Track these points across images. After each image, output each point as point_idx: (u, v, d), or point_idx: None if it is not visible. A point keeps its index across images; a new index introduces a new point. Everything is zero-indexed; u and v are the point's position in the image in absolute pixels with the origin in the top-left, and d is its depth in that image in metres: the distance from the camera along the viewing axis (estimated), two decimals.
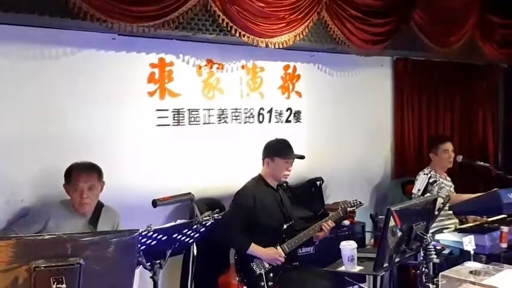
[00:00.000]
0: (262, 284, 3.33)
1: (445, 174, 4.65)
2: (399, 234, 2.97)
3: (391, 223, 2.96)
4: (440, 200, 3.37)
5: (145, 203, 2.60)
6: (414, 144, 5.27)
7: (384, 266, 2.97)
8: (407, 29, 4.64)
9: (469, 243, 3.18)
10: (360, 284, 3.97)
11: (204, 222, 2.56)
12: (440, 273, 2.94)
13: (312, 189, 4.50)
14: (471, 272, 2.95)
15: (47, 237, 2.01)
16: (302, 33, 3.91)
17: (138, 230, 2.12)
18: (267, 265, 3.39)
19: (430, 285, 2.92)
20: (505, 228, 3.53)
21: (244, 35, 3.58)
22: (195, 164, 3.90)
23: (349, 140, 4.87)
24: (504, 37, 5.60)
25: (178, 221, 2.51)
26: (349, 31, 4.17)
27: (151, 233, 2.32)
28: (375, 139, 5.12)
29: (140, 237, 2.30)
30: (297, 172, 4.32)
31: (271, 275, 3.38)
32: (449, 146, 4.55)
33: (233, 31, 3.52)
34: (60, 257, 1.91)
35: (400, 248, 3.01)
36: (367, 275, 4.24)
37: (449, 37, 4.95)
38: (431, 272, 2.97)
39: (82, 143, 3.33)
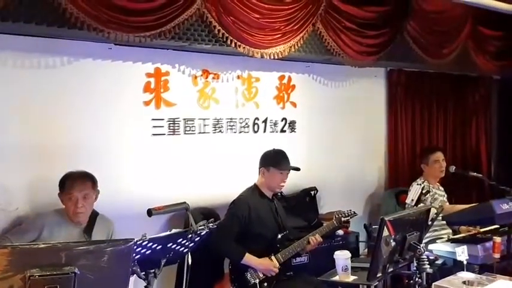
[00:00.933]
0: None
1: (438, 184, 4.68)
2: (393, 244, 2.98)
3: (385, 233, 2.99)
4: (433, 211, 3.39)
5: (140, 212, 2.61)
6: (408, 155, 5.31)
7: (378, 275, 2.98)
8: (401, 41, 4.70)
9: (462, 253, 3.20)
10: None
11: (199, 232, 2.56)
12: (434, 284, 2.97)
13: (306, 199, 4.51)
14: (464, 282, 2.97)
15: (42, 246, 2.01)
16: (297, 44, 3.95)
17: (133, 239, 2.13)
18: (261, 275, 3.39)
19: None
20: (497, 239, 3.56)
21: (239, 46, 3.61)
22: (191, 173, 3.92)
23: (344, 150, 4.90)
24: (497, 49, 5.67)
25: (174, 230, 2.52)
26: (344, 42, 4.22)
27: (146, 242, 2.32)
28: (369, 149, 5.15)
29: (135, 247, 2.30)
30: (291, 182, 4.33)
31: (265, 284, 3.38)
32: (439, 155, 4.58)
33: (229, 42, 3.55)
34: (54, 265, 1.91)
35: (394, 258, 3.03)
36: (361, 286, 4.28)
37: (442, 49, 5.01)
38: (424, 282, 3.00)
39: (77, 152, 3.34)
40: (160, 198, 2.94)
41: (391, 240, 2.99)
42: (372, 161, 5.19)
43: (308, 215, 4.40)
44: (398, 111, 5.30)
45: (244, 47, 3.63)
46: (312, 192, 4.53)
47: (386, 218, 2.91)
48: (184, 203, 2.51)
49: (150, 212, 2.39)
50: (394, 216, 2.98)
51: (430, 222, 3.37)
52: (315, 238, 3.51)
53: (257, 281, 3.37)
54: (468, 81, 5.96)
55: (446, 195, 4.70)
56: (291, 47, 3.90)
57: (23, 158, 3.17)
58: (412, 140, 5.39)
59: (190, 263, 3.56)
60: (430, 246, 4.09)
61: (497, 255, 3.57)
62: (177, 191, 3.70)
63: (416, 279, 2.97)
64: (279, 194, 4.21)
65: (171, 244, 2.50)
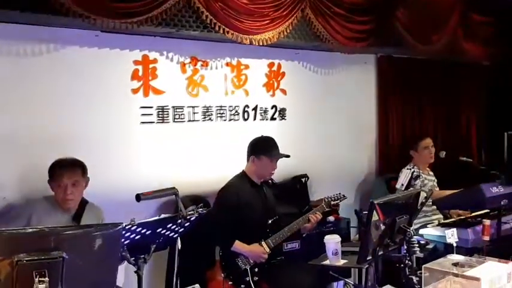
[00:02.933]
0: (248, 279, 3.35)
1: (428, 170, 4.71)
2: (382, 227, 3.00)
3: (375, 217, 3.00)
4: (423, 194, 3.40)
5: (129, 199, 2.59)
6: (398, 142, 5.31)
7: (368, 258, 2.99)
8: (390, 27, 4.68)
9: (451, 236, 3.22)
10: (346, 279, 4.00)
11: (188, 217, 2.56)
12: (423, 266, 2.97)
13: (297, 186, 4.52)
14: (454, 264, 2.99)
15: (30, 230, 2.01)
16: (286, 31, 3.93)
17: (122, 223, 2.12)
18: (251, 261, 3.40)
19: (414, 277, 2.95)
20: (487, 221, 3.59)
21: (228, 32, 3.58)
22: (180, 161, 3.90)
23: (334, 138, 4.89)
24: (487, 36, 5.67)
25: (163, 216, 2.51)
26: (333, 28, 4.20)
27: (135, 227, 2.31)
28: (359, 136, 5.16)
29: (124, 232, 2.29)
30: (282, 169, 4.33)
31: (256, 270, 3.40)
32: (429, 142, 4.63)
33: (217, 28, 3.52)
34: (42, 250, 1.90)
35: (384, 241, 3.04)
36: (352, 270, 4.30)
37: (431, 35, 5.00)
38: (414, 265, 3.01)
39: (66, 140, 3.31)
40: (149, 186, 2.90)
41: (381, 224, 3.01)
42: (362, 148, 5.19)
43: (299, 201, 4.39)
44: (388, 98, 5.30)
45: (232, 33, 3.61)
46: (303, 180, 4.54)
47: (375, 201, 2.91)
48: (173, 188, 2.50)
49: (138, 197, 2.38)
50: (383, 199, 2.99)
51: (419, 206, 3.40)
52: (315, 216, 3.52)
53: (248, 266, 3.38)
54: (458, 68, 5.95)
55: (436, 181, 4.74)
56: (280, 33, 3.88)
57: (11, 146, 3.15)
58: (402, 127, 5.39)
59: (181, 250, 3.58)
60: (421, 231, 4.11)
61: (486, 238, 3.59)
62: (167, 179, 3.64)
63: (406, 261, 2.99)
64: (270, 181, 4.22)
65: (160, 229, 2.50)
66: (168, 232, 2.58)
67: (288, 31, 3.95)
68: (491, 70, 6.29)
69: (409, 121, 5.49)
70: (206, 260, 3.76)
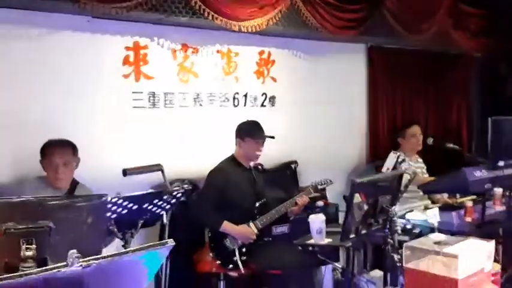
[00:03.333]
0: (235, 258, 3.43)
1: (417, 156, 4.80)
2: (365, 207, 3.09)
3: (358, 199, 3.09)
4: (406, 177, 3.48)
5: (120, 183, 2.67)
6: (388, 130, 5.39)
7: (351, 236, 3.08)
8: (380, 16, 4.75)
9: (433, 216, 3.30)
10: (334, 263, 4.08)
11: (174, 193, 2.64)
12: (405, 244, 3.04)
13: (287, 172, 4.60)
14: (435, 243, 3.07)
15: (17, 200, 2.08)
16: (275, 18, 4.00)
17: (107, 194, 2.20)
18: (239, 241, 3.48)
19: (395, 255, 3.03)
20: (469, 203, 3.67)
21: (217, 18, 3.65)
22: (171, 146, 3.97)
23: (324, 125, 4.96)
24: (477, 27, 5.74)
25: (149, 191, 2.59)
26: (322, 17, 4.27)
27: (121, 201, 2.39)
28: (350, 124, 5.23)
29: (110, 205, 2.37)
30: (272, 155, 4.43)
31: (244, 250, 3.47)
32: (416, 129, 4.72)
33: (206, 14, 3.59)
34: (30, 219, 1.97)
35: (367, 221, 3.13)
36: (340, 255, 4.38)
37: (421, 24, 5.07)
38: (396, 243, 3.09)
39: (58, 123, 3.39)
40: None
41: (364, 205, 3.09)
42: (352, 136, 5.27)
43: (288, 187, 4.46)
44: (378, 87, 5.37)
45: (221, 19, 3.67)
46: (293, 166, 4.62)
47: (358, 180, 3.00)
48: (159, 164, 2.58)
49: (125, 172, 2.46)
50: (366, 179, 3.07)
51: (403, 188, 3.48)
52: (302, 199, 3.61)
53: (235, 247, 3.46)
54: (449, 58, 6.03)
55: (425, 168, 4.83)
56: (268, 20, 3.95)
57: (3, 128, 3.22)
58: (392, 115, 5.47)
59: (172, 234, 3.65)
60: (407, 216, 4.18)
61: (469, 219, 3.68)
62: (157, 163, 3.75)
63: (389, 240, 3.07)
64: (260, 167, 4.30)
65: (147, 205, 2.57)
66: (155, 208, 2.65)
67: (277, 18, 4.02)
68: (483, 62, 6.37)
69: (400, 109, 5.57)
70: (196, 241, 3.85)
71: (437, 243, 3.03)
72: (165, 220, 2.71)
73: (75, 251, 1.27)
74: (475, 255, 2.92)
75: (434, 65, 5.88)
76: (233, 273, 3.56)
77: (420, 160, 4.84)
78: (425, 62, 5.77)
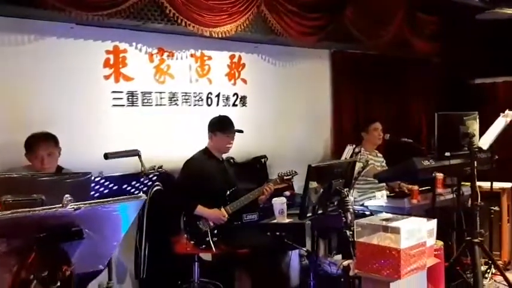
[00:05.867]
0: (208, 239, 3.80)
1: (376, 151, 5.24)
2: (321, 191, 3.49)
3: (314, 184, 3.48)
4: (359, 165, 3.91)
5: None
6: (351, 126, 5.81)
7: (308, 215, 3.49)
8: (340, 24, 5.19)
9: (381, 196, 3.73)
10: (300, 247, 4.46)
11: (150, 176, 3.02)
12: (356, 221, 3.45)
13: (257, 165, 4.99)
14: (382, 220, 3.48)
15: (15, 176, 2.44)
16: (243, 24, 4.41)
17: (90, 172, 2.56)
18: (211, 224, 3.85)
19: (347, 231, 3.43)
20: (415, 187, 4.11)
21: (189, 25, 4.05)
22: (148, 141, 4.28)
23: (292, 123, 5.39)
24: (433, 33, 6.23)
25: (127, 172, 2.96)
26: (286, 24, 4.70)
27: (103, 180, 2.76)
28: (316, 123, 5.66)
29: (94, 184, 2.73)
30: (243, 150, 4.84)
31: (215, 231, 3.85)
32: (378, 125, 5.17)
33: (179, 21, 3.98)
34: (25, 193, 2.32)
35: (323, 202, 3.54)
36: (307, 241, 4.77)
37: (378, 31, 5.53)
38: (348, 221, 3.49)
39: (44, 120, 3.70)
40: (119, 163, 3.26)
41: (320, 190, 3.50)
42: (318, 134, 5.69)
43: (258, 179, 4.83)
44: (342, 89, 5.82)
45: (193, 26, 4.07)
46: (262, 160, 5.01)
47: (313, 165, 3.42)
48: (136, 150, 2.96)
49: (106, 156, 2.83)
50: (321, 164, 3.49)
51: (356, 175, 3.91)
52: (268, 187, 3.99)
53: (208, 228, 3.83)
54: (409, 63, 6.50)
55: (385, 161, 5.27)
56: (237, 26, 4.36)
57: None
58: (355, 114, 5.91)
59: (151, 221, 4.03)
60: (366, 203, 4.61)
61: (415, 201, 4.12)
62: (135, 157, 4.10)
63: (342, 218, 3.47)
64: (232, 160, 4.70)
65: (126, 186, 2.94)
66: (133, 189, 3.02)
67: (245, 25, 4.43)
68: (442, 66, 6.85)
69: (362, 108, 6.01)
70: (173, 228, 4.20)
71: (385, 220, 3.46)
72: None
73: (68, 195, 1.64)
74: (416, 230, 3.34)
75: (395, 69, 6.34)
76: (206, 254, 3.93)
77: (380, 155, 5.28)
78: (386, 66, 6.22)
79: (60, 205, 1.60)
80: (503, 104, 4.91)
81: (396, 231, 3.23)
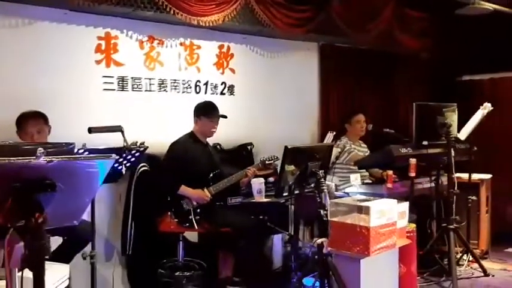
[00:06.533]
0: (191, 217, 3.98)
1: (360, 142, 5.41)
2: (298, 173, 3.65)
3: (292, 168, 3.65)
4: (337, 150, 4.09)
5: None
6: (338, 120, 5.97)
7: (284, 194, 3.66)
8: (327, 16, 5.34)
9: (355, 179, 3.89)
10: (283, 231, 4.63)
11: (133, 152, 3.19)
12: (330, 201, 3.63)
13: (243, 152, 5.15)
14: (355, 200, 3.65)
15: (9, 143, 2.62)
16: (231, 15, 4.56)
17: (74, 143, 2.73)
18: (195, 203, 4.03)
19: (322, 211, 3.59)
20: (390, 172, 4.28)
21: (178, 13, 4.21)
22: (137, 125, 4.42)
23: (279, 113, 5.55)
24: (421, 29, 6.38)
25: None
26: (273, 15, 4.86)
27: (87, 152, 2.92)
28: (303, 113, 5.81)
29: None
30: (230, 137, 5.01)
31: (198, 210, 4.02)
32: (361, 117, 5.35)
33: (168, 9, 4.15)
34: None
35: (300, 183, 3.70)
36: (289, 225, 4.94)
37: (366, 25, 5.68)
38: (323, 201, 3.65)
39: (37, 102, 3.84)
40: (109, 144, 3.49)
41: (297, 172, 3.65)
42: (305, 124, 5.84)
43: (244, 165, 4.99)
44: (329, 81, 5.97)
45: (182, 15, 4.24)
46: (249, 147, 5.18)
47: (289, 146, 3.58)
48: (119, 126, 3.14)
49: (90, 130, 3.01)
50: (296, 146, 3.65)
51: (334, 159, 4.08)
52: (251, 171, 4.17)
53: (191, 207, 4.01)
54: (397, 58, 6.65)
55: (368, 151, 5.44)
56: (225, 16, 4.52)
57: None
58: (342, 104, 6.07)
59: (137, 202, 4.22)
60: (347, 190, 4.78)
61: (389, 185, 4.29)
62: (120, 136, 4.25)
63: (317, 198, 3.63)
64: (219, 146, 4.88)
65: None
66: (116, 164, 3.19)
67: (233, 15, 4.59)
68: (430, 61, 6.99)
69: (349, 100, 6.17)
70: (158, 208, 4.38)
71: (357, 200, 3.63)
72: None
73: (41, 148, 1.81)
74: (386, 210, 3.51)
75: (383, 63, 6.49)
76: (193, 235, 4.10)
77: (364, 145, 5.46)
78: (375, 60, 6.36)
79: (34, 157, 1.76)
80: (489, 100, 5.07)
81: (367, 210, 3.40)
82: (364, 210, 3.42)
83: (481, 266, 4.76)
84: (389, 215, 3.55)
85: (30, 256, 1.80)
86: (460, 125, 4.95)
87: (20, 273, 1.94)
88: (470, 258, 4.90)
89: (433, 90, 6.82)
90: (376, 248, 3.40)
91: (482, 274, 4.73)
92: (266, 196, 3.95)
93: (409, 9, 6.21)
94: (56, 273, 2.89)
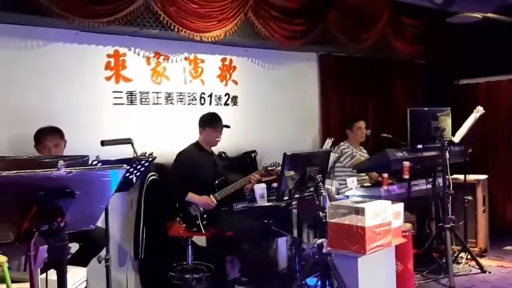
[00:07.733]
0: (198, 222, 4.22)
1: (360, 147, 5.64)
2: (297, 177, 3.88)
3: (291, 173, 3.86)
4: (334, 155, 4.32)
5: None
6: (339, 127, 6.18)
7: (285, 198, 3.88)
8: (324, 28, 5.59)
9: (351, 182, 4.11)
10: (287, 234, 4.85)
11: (142, 162, 3.44)
12: (330, 203, 3.84)
13: (247, 160, 5.39)
14: (352, 202, 3.86)
15: (22, 158, 2.88)
16: (232, 30, 4.82)
17: (88, 156, 2.99)
18: (201, 209, 4.27)
19: (320, 213, 3.81)
20: (385, 175, 4.49)
21: (181, 30, 4.48)
22: (146, 137, 4.68)
23: (281, 121, 5.79)
24: (415, 35, 6.60)
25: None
26: (272, 29, 5.12)
27: (100, 163, 3.18)
28: (304, 121, 6.06)
29: None
30: (235, 146, 5.26)
31: (205, 216, 4.26)
32: (362, 124, 5.58)
33: (172, 27, 4.42)
34: None
35: (299, 187, 3.92)
36: (294, 229, 5.16)
37: (362, 34, 5.92)
38: (322, 204, 3.87)
39: (52, 118, 4.11)
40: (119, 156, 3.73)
41: (297, 177, 3.87)
42: (306, 132, 6.08)
43: (248, 172, 5.23)
44: (329, 90, 6.20)
45: (185, 31, 4.51)
46: (253, 155, 5.41)
47: (288, 153, 3.81)
48: (130, 138, 3.40)
49: (102, 143, 3.27)
50: (295, 152, 3.88)
51: (332, 164, 4.31)
52: (254, 177, 4.40)
53: (198, 213, 4.25)
54: (394, 65, 6.86)
55: (369, 156, 5.65)
56: (226, 32, 4.78)
57: (5, 120, 4.00)
58: (342, 112, 6.29)
59: (148, 209, 4.45)
60: (347, 193, 4.99)
61: (385, 187, 4.50)
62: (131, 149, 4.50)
63: (316, 202, 3.85)
64: (223, 154, 5.12)
65: None
66: (127, 174, 3.45)
67: (234, 30, 4.85)
68: (426, 67, 7.19)
69: (349, 107, 6.38)
70: (167, 214, 4.62)
71: (354, 202, 3.84)
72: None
73: (62, 161, 2.06)
74: (381, 210, 3.72)
75: (381, 70, 6.70)
76: (201, 240, 4.33)
77: (364, 150, 5.67)
78: (372, 68, 6.57)
79: (56, 169, 2.02)
80: (485, 104, 5.25)
81: (362, 211, 3.62)
82: (360, 212, 3.63)
83: (478, 263, 4.94)
84: (384, 215, 3.76)
85: (54, 256, 2.05)
86: (458, 128, 5.14)
87: (42, 275, 2.20)
88: (469, 257, 5.09)
89: (430, 94, 7.03)
90: (372, 247, 3.61)
91: (479, 271, 4.91)
92: (269, 201, 4.18)
93: (404, 17, 6.42)
94: (74, 276, 3.13)
